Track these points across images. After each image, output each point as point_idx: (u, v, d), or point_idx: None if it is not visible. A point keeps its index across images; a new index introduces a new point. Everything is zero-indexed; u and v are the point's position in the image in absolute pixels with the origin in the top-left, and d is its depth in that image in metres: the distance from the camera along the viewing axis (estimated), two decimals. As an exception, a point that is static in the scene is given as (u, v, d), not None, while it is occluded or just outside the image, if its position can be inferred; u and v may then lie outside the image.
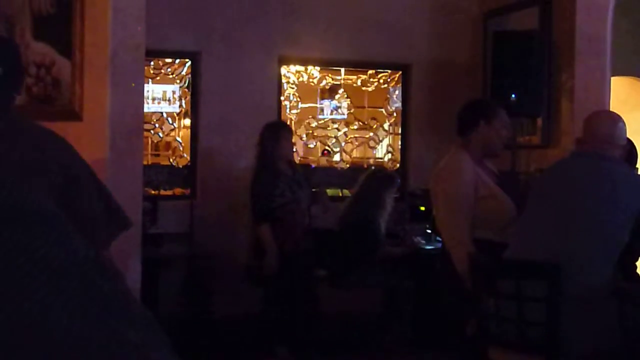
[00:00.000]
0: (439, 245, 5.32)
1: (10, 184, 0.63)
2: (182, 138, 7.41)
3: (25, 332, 0.53)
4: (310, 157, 8.20)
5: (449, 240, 4.22)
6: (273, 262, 5.64)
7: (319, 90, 8.20)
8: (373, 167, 7.55)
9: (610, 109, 6.36)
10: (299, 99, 7.77)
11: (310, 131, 7.93)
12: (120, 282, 0.65)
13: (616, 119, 3.98)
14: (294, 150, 6.39)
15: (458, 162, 4.32)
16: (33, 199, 0.63)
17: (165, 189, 7.18)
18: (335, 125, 8.15)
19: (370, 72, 7.95)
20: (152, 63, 7.09)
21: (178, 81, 7.29)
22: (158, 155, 7.90)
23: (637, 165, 5.09)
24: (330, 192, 7.57)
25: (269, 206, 5.69)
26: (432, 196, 4.48)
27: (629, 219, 3.60)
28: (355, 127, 8.15)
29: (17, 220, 0.60)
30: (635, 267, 4.27)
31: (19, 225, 0.59)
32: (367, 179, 6.54)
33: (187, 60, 7.18)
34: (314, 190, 6.36)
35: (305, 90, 7.93)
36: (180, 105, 7.35)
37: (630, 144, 4.61)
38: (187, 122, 7.40)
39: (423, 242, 6.64)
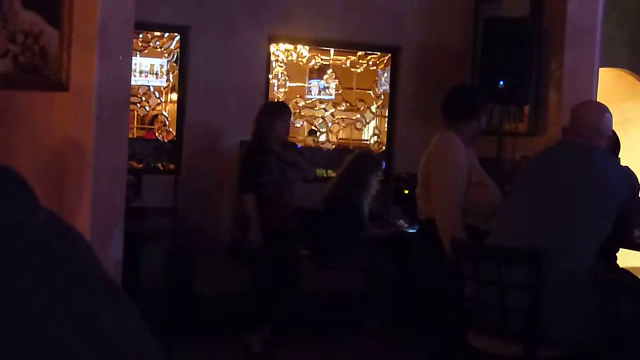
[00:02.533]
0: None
1: None
2: (168, 113, 7.37)
3: None
4: (298, 137, 8.18)
5: (442, 223, 4.22)
6: (256, 234, 5.65)
7: (307, 70, 8.17)
8: (359, 149, 7.54)
9: (598, 100, 6.38)
10: (287, 78, 7.75)
11: (298, 110, 7.92)
12: (80, 247, 0.64)
13: (603, 110, 4.00)
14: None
15: (452, 146, 4.33)
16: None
17: (150, 163, 7.16)
18: (323, 106, 8.14)
19: (359, 53, 7.94)
20: (140, 36, 7.04)
21: (166, 55, 7.25)
22: (144, 129, 7.86)
23: (619, 156, 5.12)
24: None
25: (254, 178, 5.70)
26: (421, 178, 4.46)
27: (613, 209, 3.62)
28: (343, 108, 8.14)
29: None
30: (616, 257, 4.30)
31: None
32: (353, 160, 6.54)
33: (175, 34, 7.13)
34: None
35: (293, 70, 7.90)
36: (168, 80, 7.31)
37: (614, 135, 4.64)
38: (174, 96, 7.36)
39: (406, 225, 6.65)
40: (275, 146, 5.79)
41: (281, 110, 6.02)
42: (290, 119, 6.15)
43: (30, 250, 0.56)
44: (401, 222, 6.72)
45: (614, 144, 4.81)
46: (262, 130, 5.78)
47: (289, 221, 5.84)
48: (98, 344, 0.54)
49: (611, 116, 3.98)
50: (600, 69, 6.50)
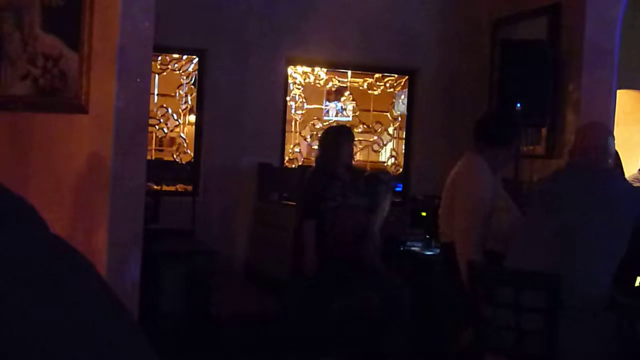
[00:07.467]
0: (437, 250, 5.32)
1: None
2: (186, 134, 7.41)
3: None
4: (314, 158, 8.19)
5: (461, 245, 4.18)
6: (311, 262, 5.48)
7: (325, 92, 8.20)
8: (373, 172, 7.48)
9: (615, 122, 6.39)
10: (304, 100, 7.78)
11: (315, 132, 7.94)
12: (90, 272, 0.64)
13: (608, 130, 4.05)
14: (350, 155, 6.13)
15: (478, 171, 4.28)
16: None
17: (168, 185, 7.19)
18: (340, 128, 8.14)
19: (376, 75, 7.96)
20: (159, 58, 7.10)
21: (184, 77, 7.30)
22: (162, 150, 7.90)
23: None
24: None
25: (317, 204, 5.53)
26: (445, 198, 4.43)
27: (627, 229, 3.61)
28: (360, 130, 8.15)
29: None
30: (634, 280, 4.27)
31: None
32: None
33: (194, 56, 7.19)
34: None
35: (311, 92, 7.94)
36: (186, 102, 7.36)
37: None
38: (192, 118, 7.41)
39: (422, 248, 6.60)
40: (340, 171, 5.66)
41: (345, 134, 5.89)
42: (352, 142, 6.00)
43: (37, 278, 0.56)
44: (417, 245, 6.66)
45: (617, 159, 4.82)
46: (327, 156, 5.63)
47: (352, 248, 5.68)
48: None
49: (614, 137, 4.04)
50: (618, 91, 6.48)
